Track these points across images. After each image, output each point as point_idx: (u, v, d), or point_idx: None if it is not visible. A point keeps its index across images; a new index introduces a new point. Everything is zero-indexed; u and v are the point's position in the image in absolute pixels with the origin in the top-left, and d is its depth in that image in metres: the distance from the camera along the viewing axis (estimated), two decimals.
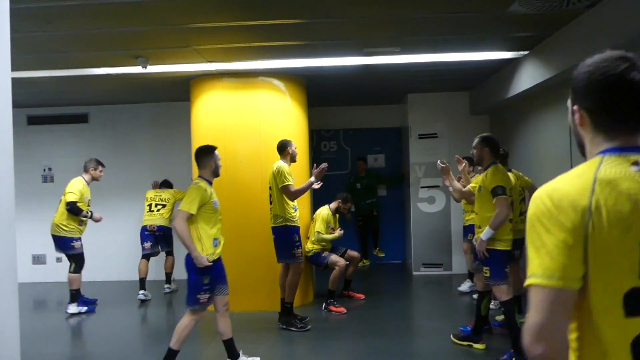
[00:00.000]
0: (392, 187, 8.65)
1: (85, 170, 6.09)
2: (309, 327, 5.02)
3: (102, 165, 6.18)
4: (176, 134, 7.68)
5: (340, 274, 5.73)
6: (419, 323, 5.28)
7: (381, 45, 4.74)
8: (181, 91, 6.57)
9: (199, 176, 3.89)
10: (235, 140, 5.80)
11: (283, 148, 5.14)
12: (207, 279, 3.81)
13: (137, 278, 6.50)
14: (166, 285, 6.80)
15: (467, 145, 7.44)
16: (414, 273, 7.63)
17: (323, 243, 5.82)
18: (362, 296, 6.22)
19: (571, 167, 4.24)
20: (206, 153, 3.91)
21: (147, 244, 6.56)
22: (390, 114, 8.63)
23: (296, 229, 5.09)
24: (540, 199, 1.12)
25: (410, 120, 7.72)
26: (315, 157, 6.48)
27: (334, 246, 6.01)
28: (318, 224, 5.79)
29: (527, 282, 1.10)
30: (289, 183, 4.93)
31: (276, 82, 5.96)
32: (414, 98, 7.69)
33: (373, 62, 5.36)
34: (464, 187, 6.08)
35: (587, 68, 1.19)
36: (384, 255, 8.40)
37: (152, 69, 5.24)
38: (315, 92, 6.56)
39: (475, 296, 6.08)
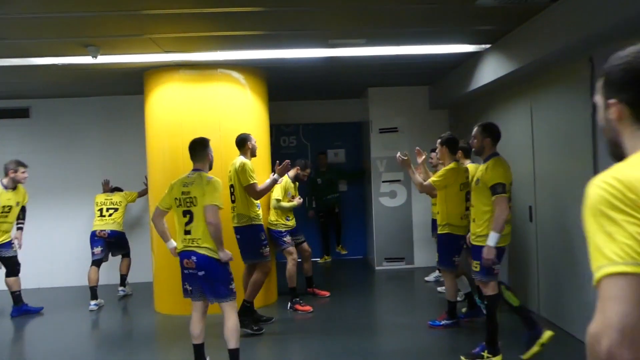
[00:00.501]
0: (353, 183, 8.59)
1: (5, 172, 5.69)
2: (263, 330, 4.80)
3: (24, 165, 5.77)
4: (129, 130, 7.30)
5: (294, 267, 5.57)
6: (388, 320, 5.22)
7: (347, 36, 4.62)
8: (134, 84, 6.22)
9: (197, 169, 3.80)
10: (193, 136, 5.43)
11: (243, 142, 4.92)
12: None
13: (86, 283, 6.11)
14: (120, 288, 6.42)
15: (428, 139, 7.55)
16: (377, 268, 7.60)
17: (285, 214, 5.58)
18: (327, 293, 6.11)
19: (534, 160, 4.18)
20: (204, 146, 3.89)
21: (97, 249, 6.12)
22: (351, 109, 8.56)
23: (261, 228, 4.91)
24: (605, 183, 0.99)
25: (371, 114, 7.67)
26: (274, 152, 6.29)
27: (296, 230, 5.82)
28: (276, 190, 5.54)
29: (601, 273, 0.93)
30: (255, 182, 4.72)
31: (236, 74, 5.74)
32: (375, 92, 7.64)
33: (337, 55, 5.24)
34: (424, 180, 6.11)
35: (623, 59, 1.10)
36: (346, 252, 8.33)
37: (103, 59, 4.90)
38: (276, 85, 6.37)
39: (441, 289, 6.14)
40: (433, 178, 4.67)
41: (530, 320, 3.95)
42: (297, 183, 5.94)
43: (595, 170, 3.90)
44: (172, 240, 3.84)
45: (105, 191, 6.75)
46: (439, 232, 4.74)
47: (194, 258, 3.59)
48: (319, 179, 8.22)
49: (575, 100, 4.16)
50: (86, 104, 7.37)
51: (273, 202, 5.57)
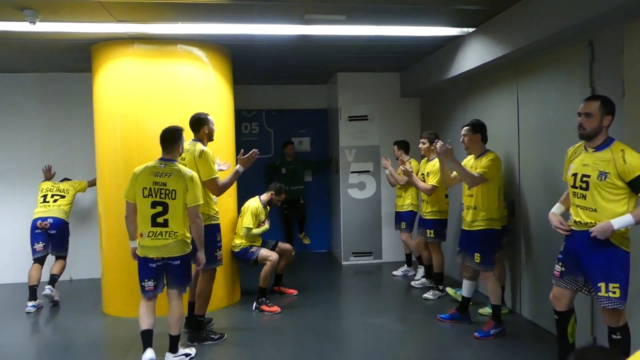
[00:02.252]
0: (319, 173, 8.18)
1: None
2: (225, 335, 4.34)
3: None
4: (75, 112, 6.60)
5: (272, 269, 5.15)
6: (360, 321, 4.84)
7: (325, 11, 4.17)
8: (81, 59, 5.55)
9: (169, 159, 3.77)
10: (149, 119, 4.94)
11: (200, 124, 4.20)
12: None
13: (25, 281, 5.43)
14: (48, 287, 5.43)
15: (398, 128, 7.27)
16: (344, 263, 7.25)
17: (252, 239, 5.22)
18: (294, 292, 5.69)
19: (519, 152, 3.81)
20: (179, 137, 3.82)
21: (39, 245, 5.42)
22: (317, 95, 8.14)
23: (218, 228, 4.27)
24: None
25: (340, 101, 7.26)
26: (236, 139, 5.79)
27: (264, 239, 5.41)
28: (247, 218, 5.16)
29: None
30: (217, 176, 4.11)
31: (198, 51, 5.17)
32: (344, 78, 7.23)
33: (312, 33, 4.78)
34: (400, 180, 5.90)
35: None
36: (309, 242, 7.93)
37: (43, 27, 4.25)
38: (239, 67, 5.85)
39: (415, 283, 5.86)
40: (481, 169, 4.09)
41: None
42: (269, 208, 5.47)
43: None
44: (136, 241, 3.73)
45: (47, 179, 6.08)
46: (474, 228, 4.17)
47: (177, 262, 3.67)
48: (283, 168, 7.77)
49: (571, 87, 3.89)
50: (25, 81, 6.56)
51: (243, 231, 5.12)
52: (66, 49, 5.35)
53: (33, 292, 5.32)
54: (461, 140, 4.33)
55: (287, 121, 8.15)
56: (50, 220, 5.50)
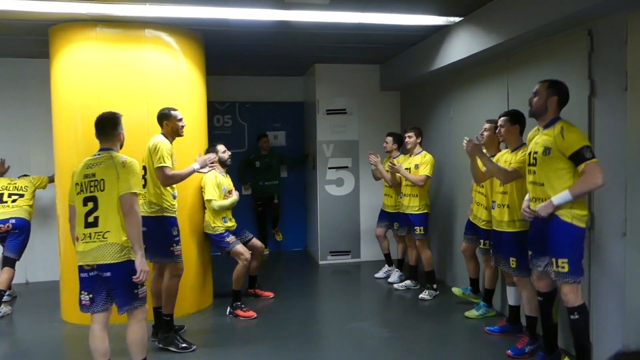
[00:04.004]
0: (295, 168, 7.87)
1: None
2: (194, 347, 4.00)
3: None
4: (31, 100, 6.10)
5: (244, 269, 4.81)
6: (341, 325, 4.55)
7: None
8: (37, 43, 5.08)
9: (106, 149, 3.26)
10: (114, 108, 4.43)
11: (163, 119, 4.06)
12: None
13: None
14: None
15: (377, 123, 7.01)
16: (321, 262, 6.97)
17: (223, 213, 4.85)
18: (270, 294, 5.37)
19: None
20: (115, 123, 3.33)
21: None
22: (293, 87, 7.81)
23: (175, 221, 4.02)
24: None
25: (317, 93, 6.95)
26: (208, 132, 5.43)
27: (240, 228, 5.05)
28: (207, 190, 4.77)
29: None
30: (166, 165, 3.84)
31: (167, 37, 4.78)
32: (322, 69, 6.93)
33: (291, 19, 4.46)
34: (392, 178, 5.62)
35: None
36: (281, 239, 7.61)
37: None
38: (211, 55, 5.47)
39: (399, 286, 5.60)
40: (517, 164, 3.63)
41: (553, 343, 3.43)
42: (229, 176, 5.09)
43: None
44: None
45: (1, 174, 5.59)
46: (504, 229, 3.75)
47: (108, 273, 3.03)
48: (257, 162, 7.43)
49: (567, 79, 3.66)
50: None
51: (211, 205, 4.77)
52: (21, 32, 4.88)
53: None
54: (497, 131, 3.98)
55: (261, 114, 7.80)
56: (13, 221, 5.05)
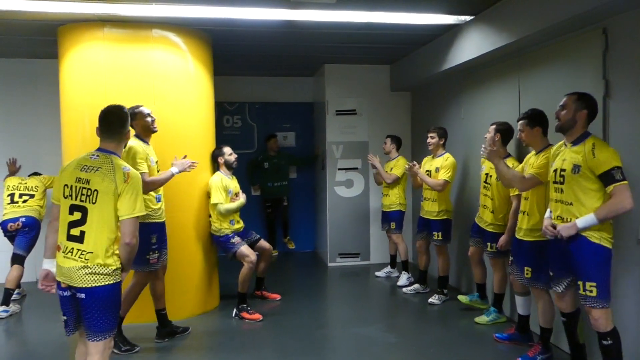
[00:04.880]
0: (304, 170, 7.82)
1: None
2: (138, 348, 3.93)
3: None
4: (41, 100, 6.14)
5: (251, 271, 4.76)
6: (349, 329, 4.49)
7: None
8: (47, 43, 5.10)
9: (106, 150, 2.79)
10: None
11: (132, 119, 3.61)
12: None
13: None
14: (2, 308, 4.88)
15: (388, 124, 6.93)
16: (330, 264, 6.91)
17: (230, 216, 4.80)
18: (277, 297, 5.32)
19: (518, 149, 3.44)
20: (124, 120, 2.87)
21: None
22: (303, 88, 7.76)
23: (157, 227, 3.93)
24: None
25: (327, 94, 6.90)
26: (217, 133, 5.41)
27: (246, 230, 5.01)
28: (214, 194, 4.74)
29: None
30: (143, 171, 3.72)
31: (175, 37, 4.75)
32: (332, 70, 6.87)
33: (299, 18, 4.41)
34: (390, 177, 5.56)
35: None
36: (294, 247, 7.58)
37: (1, 4, 3.80)
38: (220, 56, 5.44)
39: (407, 290, 5.54)
40: (535, 170, 3.42)
41: None
42: (235, 178, 5.04)
43: None
44: (53, 260, 2.71)
45: (12, 173, 5.63)
46: (526, 238, 3.55)
47: (82, 295, 2.57)
48: (266, 163, 7.39)
49: (581, 79, 3.59)
50: None
51: (217, 209, 4.73)
52: (30, 32, 4.90)
53: (7, 296, 4.92)
54: (518, 136, 3.76)
55: (271, 115, 7.76)
56: (23, 219, 5.09)
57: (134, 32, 4.61)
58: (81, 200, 2.62)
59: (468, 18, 4.63)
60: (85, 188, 2.62)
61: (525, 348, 3.74)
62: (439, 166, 5.10)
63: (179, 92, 4.75)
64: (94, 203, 2.60)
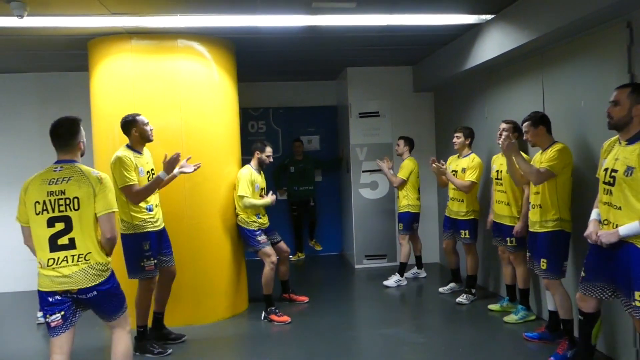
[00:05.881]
0: (329, 173, 7.87)
1: None
2: (170, 351, 4.03)
3: None
4: (73, 112, 6.13)
5: (272, 272, 4.81)
6: (377, 330, 4.51)
7: None
8: (78, 56, 5.29)
9: (67, 160, 2.91)
10: (149, 118, 4.55)
11: (129, 127, 3.95)
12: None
13: (24, 289, 5.18)
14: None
15: (411, 125, 6.92)
16: (356, 266, 6.93)
17: (255, 210, 4.86)
18: (305, 299, 5.38)
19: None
20: (74, 130, 2.95)
21: None
22: (326, 91, 7.82)
23: (150, 235, 3.92)
24: None
25: (350, 97, 6.94)
26: (242, 138, 5.52)
27: (271, 229, 5.08)
28: (240, 185, 4.80)
29: None
30: (132, 182, 3.75)
31: (199, 46, 4.87)
32: (354, 73, 6.91)
33: (319, 24, 4.47)
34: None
35: None
36: (321, 248, 7.63)
37: (33, 21, 3.99)
38: (244, 63, 5.54)
39: (443, 288, 5.54)
40: (547, 163, 3.54)
41: None
42: (263, 174, 5.13)
43: None
44: None
45: None
46: (541, 229, 3.62)
47: (93, 293, 2.77)
48: (292, 167, 7.47)
49: (605, 74, 3.54)
50: (21, 81, 6.34)
51: (242, 202, 4.80)
52: (61, 46, 5.09)
53: None
54: (524, 138, 3.85)
55: (295, 119, 7.85)
56: None
57: (159, 43, 4.75)
58: (60, 211, 2.74)
59: (489, 17, 4.61)
60: (62, 199, 2.74)
61: (556, 346, 3.70)
62: (465, 167, 5.10)
63: (204, 100, 4.86)
64: (76, 209, 2.75)
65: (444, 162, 5.27)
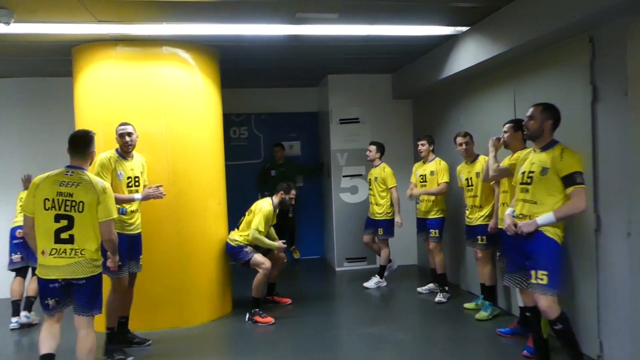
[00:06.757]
0: (310, 178, 8.01)
1: None
2: (131, 358, 4.07)
3: None
4: (56, 118, 6.34)
5: (265, 277, 4.94)
6: (359, 330, 4.66)
7: (317, 9, 4.02)
8: (61, 62, 5.34)
9: (77, 167, 3.37)
10: (134, 124, 4.64)
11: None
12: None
13: (7, 296, 5.18)
14: (24, 314, 5.05)
15: (390, 131, 7.13)
16: (337, 269, 7.08)
17: (254, 242, 4.96)
18: (288, 300, 5.50)
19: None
20: (88, 142, 3.43)
21: (17, 256, 5.08)
22: (307, 98, 7.97)
23: (123, 239, 3.90)
24: None
25: (331, 104, 7.11)
26: (225, 144, 5.60)
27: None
28: (258, 218, 4.91)
29: None
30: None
31: (184, 54, 4.97)
32: (335, 80, 7.09)
33: (303, 33, 4.63)
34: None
35: None
36: (299, 256, 7.72)
37: (19, 28, 4.05)
38: (227, 69, 5.66)
39: (422, 288, 5.73)
40: (507, 163, 3.83)
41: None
42: (277, 210, 5.26)
43: (595, 167, 3.53)
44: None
45: (26, 188, 5.82)
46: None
47: (82, 282, 3.17)
48: (273, 170, 7.58)
49: (571, 85, 3.78)
50: (3, 86, 6.33)
51: (252, 233, 4.90)
52: (46, 52, 5.13)
53: (16, 307, 5.07)
54: (501, 136, 4.01)
55: (277, 125, 7.97)
56: None
57: (145, 50, 4.83)
58: (66, 210, 3.15)
59: (464, 29, 4.83)
60: (69, 200, 3.17)
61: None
62: (433, 169, 5.43)
63: (189, 106, 4.96)
64: (80, 212, 3.17)
65: (413, 187, 5.59)
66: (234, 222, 5.30)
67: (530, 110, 3.32)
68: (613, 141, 3.39)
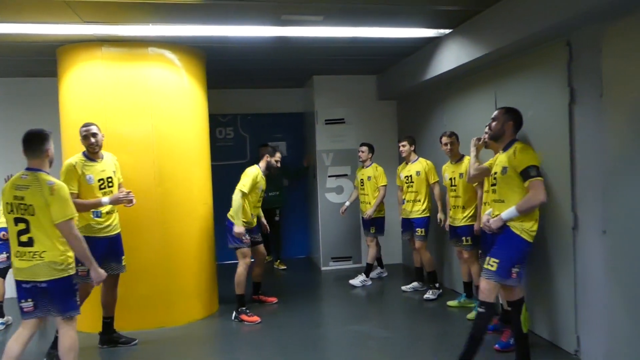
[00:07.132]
0: (295, 182, 8.04)
1: None
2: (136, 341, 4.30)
3: None
4: (40, 118, 6.20)
5: (245, 272, 4.95)
6: (344, 327, 4.74)
7: (303, 12, 4.07)
8: (46, 62, 5.32)
9: (33, 169, 3.23)
10: (119, 126, 4.74)
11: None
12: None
13: None
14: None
15: (375, 132, 7.22)
16: (323, 268, 7.15)
17: (239, 214, 4.85)
18: (274, 299, 5.55)
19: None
20: (42, 139, 3.25)
21: (2, 256, 5.07)
22: (293, 99, 8.02)
23: (93, 241, 3.75)
24: None
25: (316, 104, 7.17)
26: (211, 145, 5.63)
27: (255, 229, 5.20)
28: (244, 180, 4.91)
29: None
30: (72, 191, 3.72)
31: (170, 54, 4.99)
32: (321, 81, 7.15)
33: (288, 35, 4.68)
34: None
35: None
36: (285, 268, 7.67)
37: (4, 28, 4.04)
38: (213, 70, 5.69)
39: (406, 287, 5.83)
40: (487, 163, 3.87)
41: (525, 355, 3.48)
42: (267, 175, 5.22)
43: (573, 166, 3.65)
44: None
45: None
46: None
47: (44, 285, 3.14)
48: None
49: (549, 87, 3.89)
50: None
51: (235, 193, 4.86)
52: (30, 52, 5.11)
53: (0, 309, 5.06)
54: (483, 137, 4.10)
55: (262, 125, 8.01)
56: None
57: (130, 50, 4.84)
58: (21, 214, 3.14)
59: (447, 31, 4.93)
60: (22, 204, 3.13)
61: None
62: (419, 170, 5.51)
63: (175, 106, 4.98)
64: (32, 215, 3.12)
65: (440, 219, 5.44)
66: (220, 222, 5.33)
67: (495, 113, 3.58)
68: (589, 141, 3.51)
